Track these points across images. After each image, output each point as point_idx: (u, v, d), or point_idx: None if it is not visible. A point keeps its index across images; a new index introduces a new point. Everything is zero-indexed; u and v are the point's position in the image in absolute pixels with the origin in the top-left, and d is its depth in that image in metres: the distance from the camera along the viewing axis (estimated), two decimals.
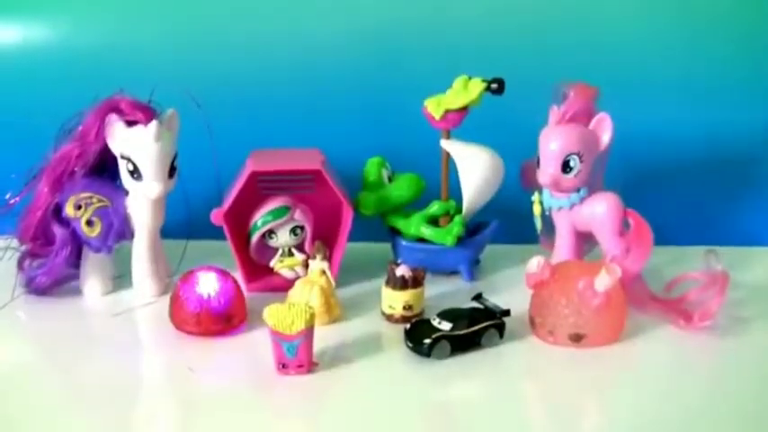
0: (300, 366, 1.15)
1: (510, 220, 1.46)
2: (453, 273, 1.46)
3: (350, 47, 1.61)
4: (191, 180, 1.41)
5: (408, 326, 1.23)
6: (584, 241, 1.42)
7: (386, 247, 1.50)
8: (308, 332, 1.14)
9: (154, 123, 1.29)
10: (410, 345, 1.20)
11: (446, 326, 1.20)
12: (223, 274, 1.27)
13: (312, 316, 1.14)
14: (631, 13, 1.58)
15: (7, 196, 1.39)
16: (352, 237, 1.43)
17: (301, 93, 1.62)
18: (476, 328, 1.21)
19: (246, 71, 1.63)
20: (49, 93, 1.61)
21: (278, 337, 1.14)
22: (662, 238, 1.47)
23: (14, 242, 1.40)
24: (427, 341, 1.19)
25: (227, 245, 1.40)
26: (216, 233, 1.39)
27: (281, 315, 1.13)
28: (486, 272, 1.49)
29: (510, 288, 1.40)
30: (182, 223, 1.44)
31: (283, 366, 1.15)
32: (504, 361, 1.21)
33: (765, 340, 1.26)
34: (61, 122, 1.37)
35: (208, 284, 1.25)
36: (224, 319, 1.25)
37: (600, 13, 1.59)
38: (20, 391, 1.15)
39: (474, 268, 1.47)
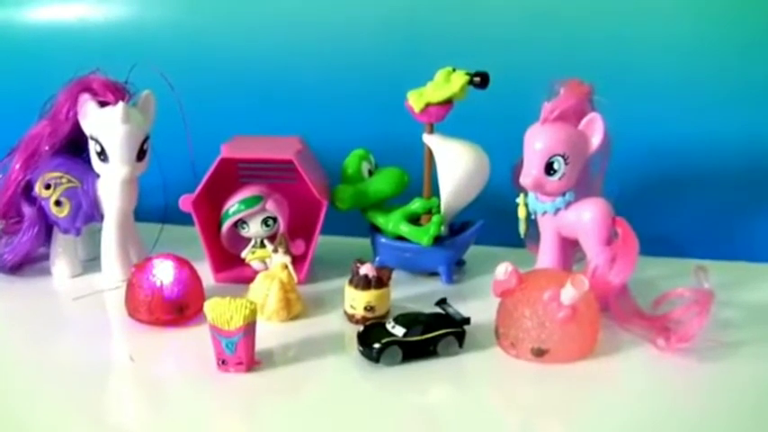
0: (240, 364, 1.10)
1: (500, 221, 1.37)
2: (434, 273, 1.39)
3: (347, 33, 1.56)
4: (169, 164, 1.38)
5: (362, 328, 1.17)
6: (574, 248, 1.33)
7: (367, 242, 1.44)
8: (248, 329, 1.09)
9: (121, 105, 1.26)
10: (360, 349, 1.14)
11: (399, 331, 1.14)
12: (180, 262, 1.24)
13: (252, 312, 1.09)
14: (644, 10, 1.48)
15: None
16: (334, 230, 1.39)
17: (290, 79, 1.58)
18: (431, 335, 1.14)
19: (235, 57, 1.60)
20: (31, 70, 1.61)
21: (216, 333, 1.09)
22: (666, 250, 1.38)
23: None
24: (377, 346, 1.12)
25: None
26: (191, 219, 1.35)
27: (221, 309, 1.09)
28: (470, 274, 1.42)
29: (490, 295, 1.32)
30: (159, 207, 1.40)
31: (223, 363, 1.11)
32: (459, 372, 1.14)
33: (749, 369, 1.14)
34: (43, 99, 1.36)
35: (162, 272, 1.22)
36: (176, 309, 1.22)
37: (612, 11, 1.50)
38: None
39: (456, 270, 1.40)
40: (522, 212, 1.34)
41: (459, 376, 1.14)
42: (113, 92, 1.28)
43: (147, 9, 1.62)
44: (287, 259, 1.25)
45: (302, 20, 1.57)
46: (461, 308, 1.21)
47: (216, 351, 1.11)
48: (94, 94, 1.29)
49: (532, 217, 1.33)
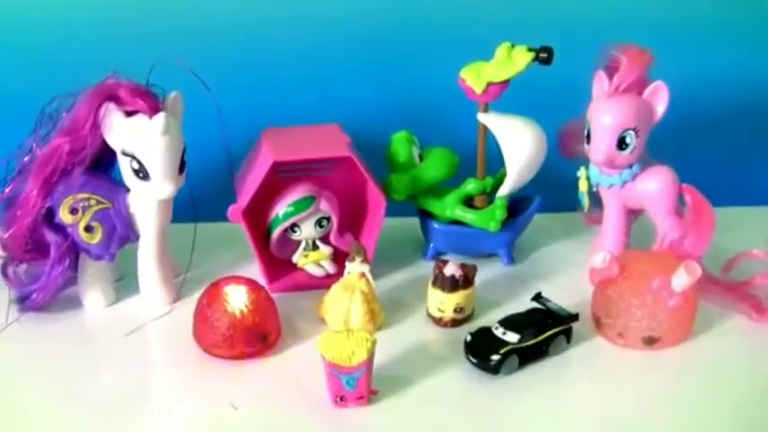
0: (360, 398, 1.02)
1: (545, 189, 1.33)
2: (489, 255, 1.33)
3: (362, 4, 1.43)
4: (193, 157, 1.21)
5: (469, 337, 1.11)
6: (633, 217, 1.31)
7: (412, 222, 1.36)
8: (370, 361, 1.01)
9: (162, 116, 1.10)
10: (474, 361, 1.08)
11: (513, 337, 1.08)
12: (253, 286, 1.12)
13: (374, 343, 1.01)
14: None
15: None
16: None
17: (309, 56, 1.44)
18: (544, 337, 1.10)
19: (247, 33, 1.43)
20: (21, 69, 1.39)
21: (336, 370, 1.00)
22: None
23: None
24: (496, 357, 1.07)
25: (238, 227, 1.22)
26: (224, 214, 1.22)
27: (339, 345, 1.00)
28: (525, 250, 1.37)
29: (556, 272, 1.31)
30: (186, 205, 1.24)
31: (341, 399, 1.02)
32: (574, 370, 1.11)
33: None
34: (39, 105, 1.18)
35: (238, 300, 1.10)
36: (260, 339, 1.11)
37: None
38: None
39: (512, 248, 1.34)
40: (583, 186, 1.29)
41: (576, 372, 1.11)
42: (144, 99, 1.12)
43: None
44: (365, 268, 1.16)
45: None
46: (532, 291, 1.18)
47: (333, 389, 1.02)
48: (121, 102, 1.12)
49: (594, 189, 1.29)
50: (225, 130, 1.20)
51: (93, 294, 1.22)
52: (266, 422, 1.02)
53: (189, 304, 1.20)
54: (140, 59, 1.14)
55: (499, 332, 1.10)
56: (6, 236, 1.17)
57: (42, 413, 1.03)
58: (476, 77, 1.21)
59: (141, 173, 1.13)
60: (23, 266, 1.22)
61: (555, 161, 1.32)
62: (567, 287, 1.22)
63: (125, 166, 1.14)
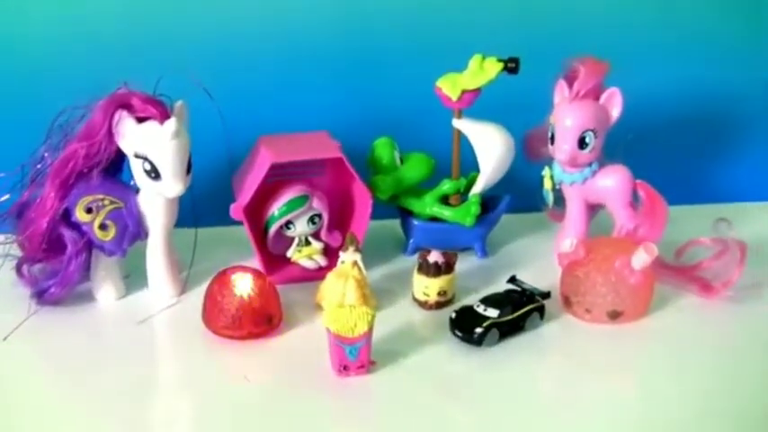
0: (361, 367, 1.14)
1: (510, 192, 1.47)
2: (464, 249, 1.46)
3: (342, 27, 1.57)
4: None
5: (453, 315, 1.23)
6: (593, 212, 1.45)
7: (390, 223, 1.49)
8: (370, 332, 1.13)
9: (173, 121, 1.21)
10: (459, 334, 1.21)
11: (493, 312, 1.21)
12: (257, 273, 1.24)
13: (373, 317, 1.13)
14: None
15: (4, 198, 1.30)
16: None
17: (292, 71, 1.57)
18: (521, 313, 1.23)
19: (226, 47, 1.55)
20: (28, 81, 1.50)
21: (340, 341, 1.12)
22: None
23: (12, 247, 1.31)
24: (479, 330, 1.19)
25: (235, 230, 1.36)
26: (222, 218, 1.34)
27: (343, 319, 1.12)
28: (496, 245, 1.50)
29: (525, 262, 1.43)
30: (185, 211, 1.34)
31: (344, 368, 1.14)
32: (548, 343, 1.24)
33: None
34: (49, 117, 1.28)
35: (245, 285, 1.21)
36: (265, 321, 1.22)
37: None
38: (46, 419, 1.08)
39: (485, 242, 1.48)
40: (548, 184, 1.43)
41: (550, 345, 1.24)
42: (154, 106, 1.23)
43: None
44: (357, 256, 1.28)
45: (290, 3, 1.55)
46: (504, 279, 1.32)
47: (337, 359, 1.13)
48: (133, 110, 1.23)
49: (557, 187, 1.43)
50: (228, 138, 1.30)
51: (106, 288, 1.32)
52: (278, 392, 1.12)
53: (194, 296, 1.31)
54: (136, 75, 1.26)
55: (480, 309, 1.22)
56: (24, 236, 1.27)
57: (64, 399, 1.12)
58: (451, 86, 1.35)
59: (153, 173, 1.24)
60: (37, 266, 1.32)
61: (519, 166, 1.45)
62: (535, 274, 1.33)
63: (137, 168, 1.25)
